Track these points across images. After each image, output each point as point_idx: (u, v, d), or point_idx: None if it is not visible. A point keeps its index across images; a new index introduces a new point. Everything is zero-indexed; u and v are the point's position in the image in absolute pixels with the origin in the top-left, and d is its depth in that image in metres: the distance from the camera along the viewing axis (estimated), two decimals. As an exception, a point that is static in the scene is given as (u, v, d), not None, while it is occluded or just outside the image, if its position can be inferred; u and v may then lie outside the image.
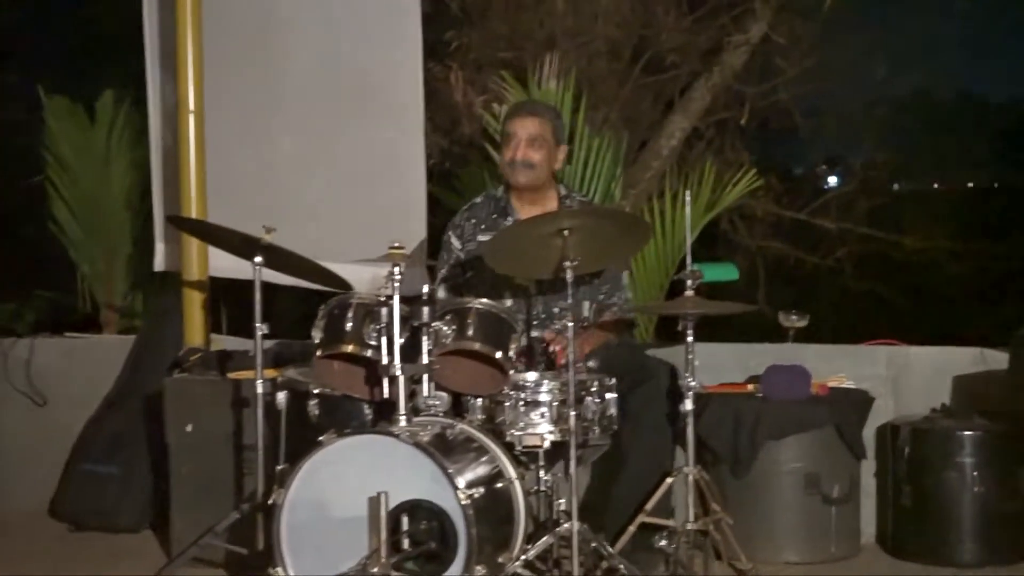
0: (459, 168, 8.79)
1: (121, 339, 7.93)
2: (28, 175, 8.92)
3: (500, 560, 5.35)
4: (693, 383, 5.75)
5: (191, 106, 7.10)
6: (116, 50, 9.40)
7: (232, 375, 6.42)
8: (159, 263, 7.66)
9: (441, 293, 6.26)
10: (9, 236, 9.40)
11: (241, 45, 7.54)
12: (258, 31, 7.56)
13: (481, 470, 5.41)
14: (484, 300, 5.71)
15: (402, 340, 5.43)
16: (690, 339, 5.74)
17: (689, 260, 5.83)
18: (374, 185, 7.44)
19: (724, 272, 7.01)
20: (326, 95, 7.50)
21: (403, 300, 5.42)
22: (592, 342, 6.10)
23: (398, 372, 5.41)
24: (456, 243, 6.40)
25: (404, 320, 5.44)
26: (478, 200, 6.49)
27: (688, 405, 5.76)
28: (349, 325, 5.63)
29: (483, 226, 6.36)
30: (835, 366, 6.84)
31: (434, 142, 9.08)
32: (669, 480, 5.90)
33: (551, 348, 5.97)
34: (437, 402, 5.62)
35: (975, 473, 6.38)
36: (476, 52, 9.48)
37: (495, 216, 6.37)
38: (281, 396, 5.75)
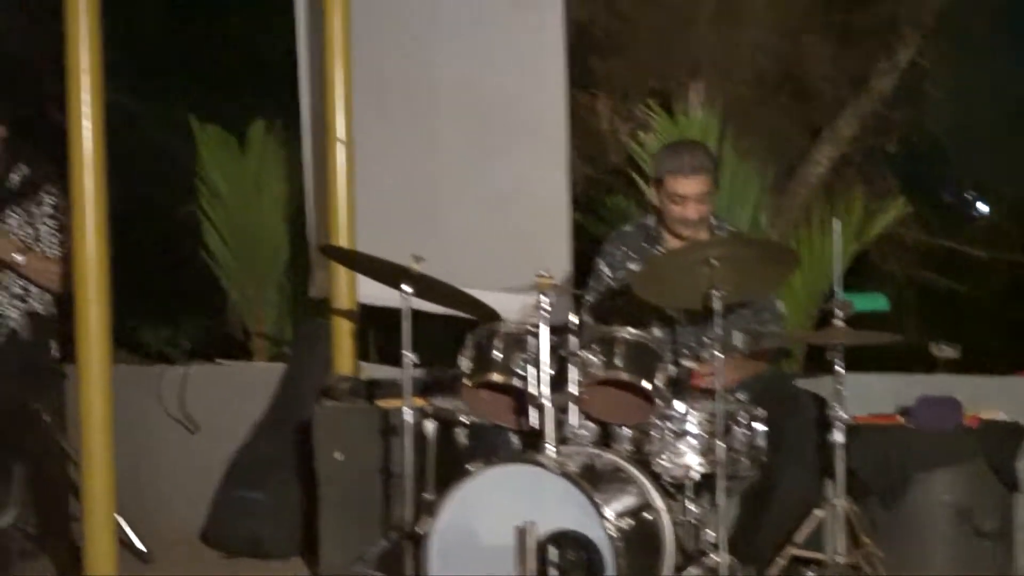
0: (605, 196, 8.77)
1: (271, 366, 8.00)
2: (181, 204, 9.04)
3: (648, 591, 5.32)
4: (843, 414, 5.68)
5: (341, 135, 7.16)
6: (267, 79, 9.50)
7: (381, 403, 6.46)
8: (315, 289, 7.73)
9: (587, 319, 6.25)
10: (163, 264, 9.53)
11: (390, 74, 7.59)
12: (406, 60, 7.60)
13: (629, 500, 5.39)
14: (632, 329, 5.69)
15: (550, 369, 5.42)
16: (840, 369, 5.67)
17: (838, 290, 5.76)
18: (520, 214, 7.44)
19: (874, 302, 6.92)
20: (473, 124, 7.51)
21: (551, 329, 5.41)
22: (745, 371, 6.06)
23: (546, 401, 5.40)
24: (606, 271, 6.38)
25: (552, 349, 5.43)
26: (629, 228, 6.47)
27: (838, 436, 5.68)
28: (497, 354, 5.65)
29: (633, 254, 6.33)
30: (988, 397, 6.71)
31: (580, 170, 9.07)
32: (818, 512, 5.83)
33: (697, 380, 5.93)
34: (585, 431, 5.62)
35: None
36: (621, 80, 9.45)
37: (645, 245, 6.34)
38: (429, 424, 5.78)
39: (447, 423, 5.79)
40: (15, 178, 6.76)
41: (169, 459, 7.80)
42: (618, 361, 5.63)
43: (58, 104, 6.58)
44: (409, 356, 5.73)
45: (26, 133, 6.94)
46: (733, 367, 5.95)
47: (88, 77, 5.87)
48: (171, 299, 9.43)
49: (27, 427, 6.52)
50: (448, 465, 5.65)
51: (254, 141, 8.85)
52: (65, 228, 6.56)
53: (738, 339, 6.07)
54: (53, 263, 6.65)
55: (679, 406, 5.64)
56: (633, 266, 6.25)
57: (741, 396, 5.85)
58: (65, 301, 6.55)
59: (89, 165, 5.87)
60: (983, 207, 14.11)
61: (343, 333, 7.26)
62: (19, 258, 6.60)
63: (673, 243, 6.30)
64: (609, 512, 5.14)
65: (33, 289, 6.72)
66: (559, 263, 7.21)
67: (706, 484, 5.61)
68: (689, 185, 6.17)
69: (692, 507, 5.64)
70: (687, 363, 6.01)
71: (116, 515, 6.05)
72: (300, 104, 7.76)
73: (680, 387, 5.81)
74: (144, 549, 6.85)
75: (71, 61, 5.86)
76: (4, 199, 6.69)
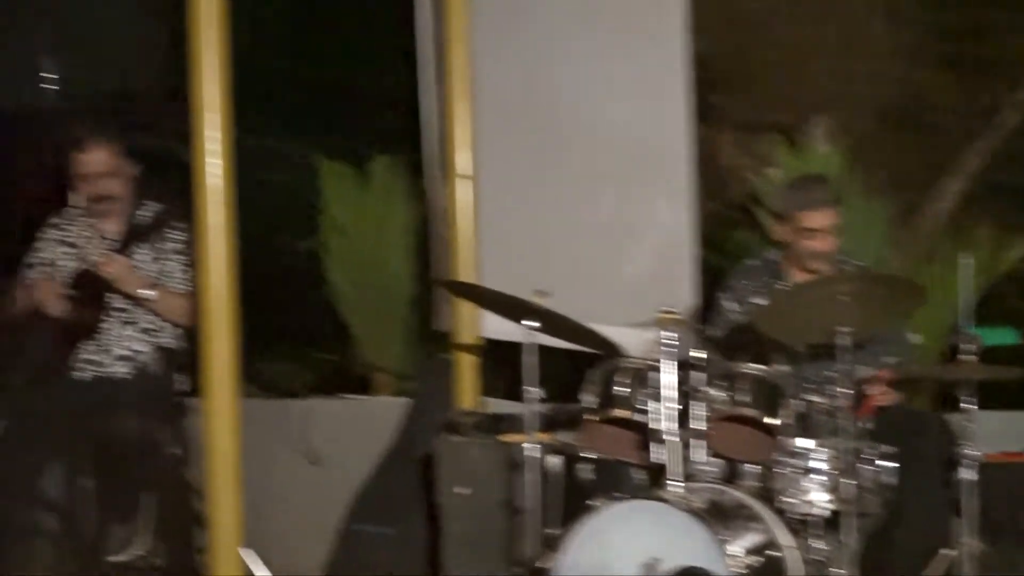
0: (728, 231, 8.75)
1: (394, 401, 8.04)
2: (305, 239, 9.11)
3: (774, 629, 5.29)
4: (973, 451, 5.62)
5: (464, 171, 7.20)
6: (389, 113, 9.56)
7: (504, 438, 6.47)
8: (441, 323, 7.75)
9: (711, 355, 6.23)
10: (287, 299, 9.61)
11: (512, 109, 7.62)
12: (529, 94, 7.63)
13: (755, 538, 5.36)
14: (757, 365, 5.67)
15: (674, 405, 5.42)
16: (970, 406, 5.61)
17: (968, 325, 5.71)
18: (643, 248, 7.43)
19: (1003, 336, 6.84)
20: (597, 157, 7.52)
21: (675, 365, 5.41)
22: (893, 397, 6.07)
23: (671, 437, 5.40)
24: (729, 305, 6.38)
25: (676, 385, 5.43)
26: (753, 263, 6.47)
27: (968, 474, 5.62)
28: (621, 390, 5.64)
29: (757, 289, 6.32)
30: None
31: (703, 205, 9.05)
32: (948, 552, 5.76)
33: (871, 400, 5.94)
34: (710, 468, 5.60)
35: None
36: (743, 114, 9.43)
37: (769, 279, 6.33)
38: (553, 460, 5.79)
39: (571, 458, 5.80)
40: (144, 215, 6.87)
41: (293, 493, 7.86)
42: (743, 397, 5.62)
43: (184, 141, 6.67)
44: (533, 391, 5.74)
45: (154, 169, 7.06)
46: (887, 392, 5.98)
47: (215, 115, 5.93)
48: (294, 334, 9.50)
49: (154, 460, 6.61)
50: (572, 500, 5.65)
51: (377, 175, 8.91)
52: (192, 264, 6.65)
53: (863, 373, 6.04)
54: (181, 298, 6.75)
55: (804, 442, 5.61)
56: (757, 300, 6.25)
57: (867, 425, 5.82)
58: (194, 335, 6.64)
59: (217, 202, 5.93)
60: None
61: (466, 368, 7.28)
62: (148, 293, 6.70)
63: (797, 277, 6.29)
64: (735, 549, 5.13)
65: (163, 324, 6.82)
66: (683, 298, 7.20)
67: (832, 521, 5.57)
68: (820, 218, 6.20)
69: (818, 544, 5.60)
70: (812, 397, 5.98)
71: (243, 549, 6.09)
72: (422, 139, 7.80)
73: (806, 423, 5.78)
74: (268, 582, 6.90)
75: (197, 99, 5.92)
76: (133, 236, 6.81)
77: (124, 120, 7.72)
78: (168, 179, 7.02)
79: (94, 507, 6.82)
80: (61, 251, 6.92)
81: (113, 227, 6.88)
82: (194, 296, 6.25)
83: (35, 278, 6.88)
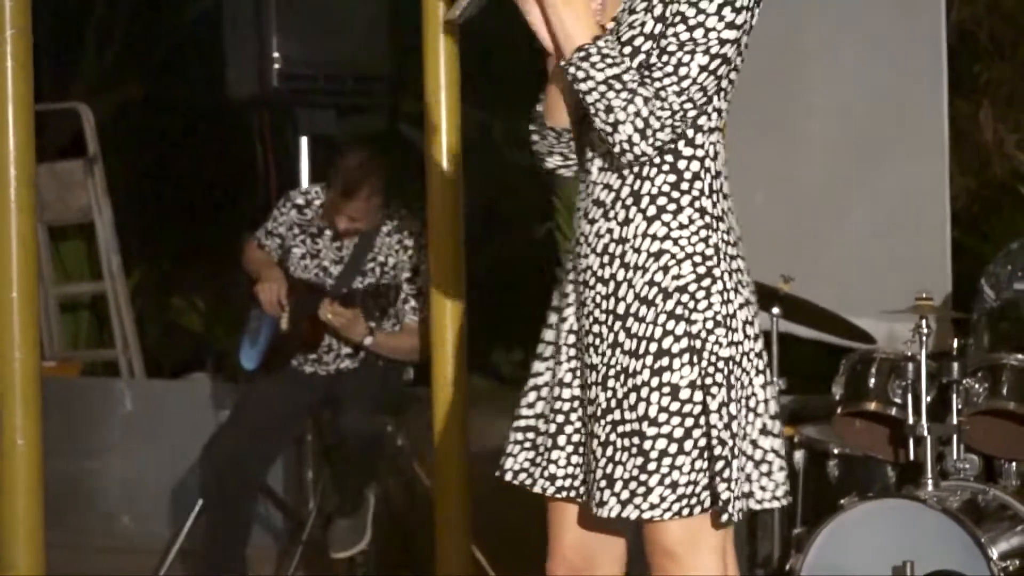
0: (989, 212, 8.59)
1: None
2: (538, 222, 9.17)
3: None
4: None
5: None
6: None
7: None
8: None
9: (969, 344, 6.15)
10: (518, 284, 9.69)
11: (755, 83, 7.55)
12: (772, 67, 7.57)
13: (1016, 540, 5.27)
14: (1020, 356, 5.58)
15: (929, 398, 5.37)
16: None
17: None
18: (893, 231, 7.33)
19: None
20: (844, 135, 7.44)
21: (930, 356, 5.36)
22: None
23: (925, 433, 5.34)
24: (989, 292, 6.28)
25: (932, 377, 5.38)
26: (1015, 246, 6.35)
27: None
28: (872, 381, 5.59)
29: (1021, 273, 6.22)
30: None
31: (960, 184, 8.90)
32: None
33: None
34: (967, 465, 5.53)
35: None
36: (1008, 86, 9.25)
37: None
38: (798, 455, 5.77)
39: (817, 454, 5.77)
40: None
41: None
42: (1004, 390, 5.53)
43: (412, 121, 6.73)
44: (776, 383, 5.71)
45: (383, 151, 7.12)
46: None
47: (445, 94, 6.01)
48: (525, 321, 9.56)
49: (382, 452, 6.70)
50: (818, 499, 5.65)
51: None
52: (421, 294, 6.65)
53: None
54: (401, 337, 6.74)
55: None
56: (1021, 285, 6.13)
57: None
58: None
59: (446, 183, 6.01)
60: None
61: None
62: (369, 340, 6.73)
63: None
64: (994, 552, 5.06)
65: (390, 311, 6.81)
66: (938, 285, 7.09)
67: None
68: None
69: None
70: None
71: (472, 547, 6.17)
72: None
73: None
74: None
75: (430, 79, 6.01)
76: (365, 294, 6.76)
77: (353, 102, 7.82)
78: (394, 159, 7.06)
79: (318, 501, 6.96)
80: (295, 232, 6.90)
81: (350, 241, 6.85)
82: (424, 327, 6.31)
83: (263, 249, 6.91)
